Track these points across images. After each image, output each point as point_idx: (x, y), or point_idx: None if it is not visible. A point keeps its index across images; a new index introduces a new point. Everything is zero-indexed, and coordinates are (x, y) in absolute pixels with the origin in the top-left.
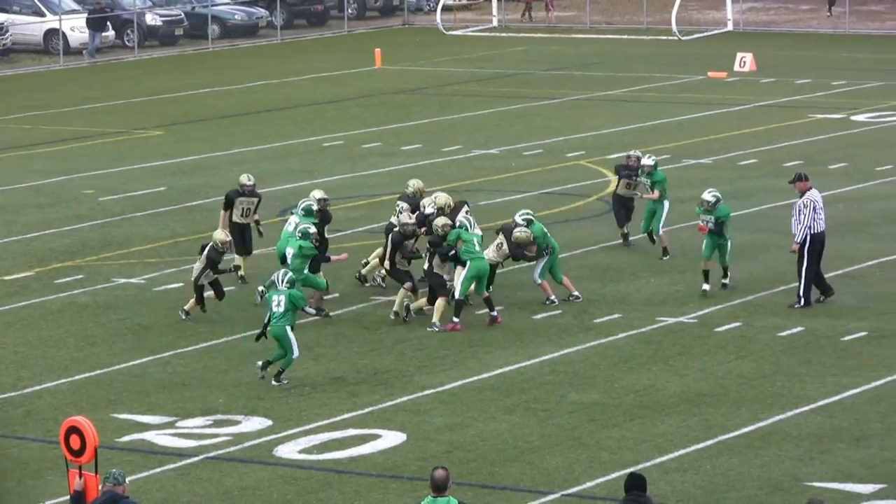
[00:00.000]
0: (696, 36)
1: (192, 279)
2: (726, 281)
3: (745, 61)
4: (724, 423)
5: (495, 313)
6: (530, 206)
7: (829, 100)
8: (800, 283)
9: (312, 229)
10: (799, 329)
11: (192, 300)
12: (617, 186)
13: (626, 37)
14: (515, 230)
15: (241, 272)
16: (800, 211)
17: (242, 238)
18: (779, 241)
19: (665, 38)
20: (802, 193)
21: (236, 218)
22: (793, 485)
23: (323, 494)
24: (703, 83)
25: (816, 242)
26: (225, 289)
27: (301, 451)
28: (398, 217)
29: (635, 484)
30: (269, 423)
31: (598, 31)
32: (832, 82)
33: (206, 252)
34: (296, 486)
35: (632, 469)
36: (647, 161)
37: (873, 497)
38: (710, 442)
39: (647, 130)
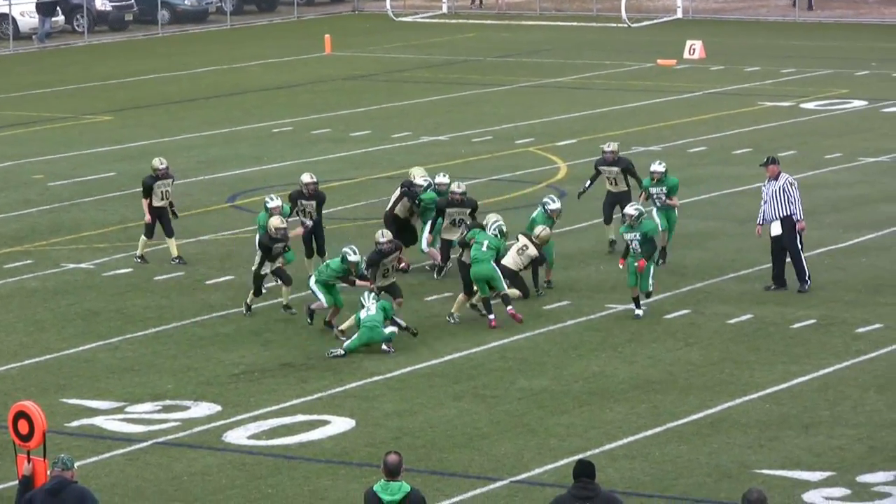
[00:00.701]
0: (645, 23)
1: (253, 270)
2: (639, 312)
3: (694, 49)
4: (673, 410)
5: (492, 316)
6: (480, 194)
7: (779, 87)
8: (801, 263)
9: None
10: (748, 317)
11: (252, 293)
12: (594, 180)
13: (575, 24)
14: (537, 229)
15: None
16: (785, 191)
17: (161, 220)
18: (728, 229)
19: (614, 25)
20: (775, 177)
21: (156, 202)
22: (741, 472)
23: (272, 480)
24: (653, 70)
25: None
26: (170, 275)
27: (250, 437)
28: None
29: (584, 471)
30: (218, 408)
31: (547, 17)
32: (781, 70)
33: (258, 242)
34: (245, 472)
35: (580, 456)
36: (657, 167)
37: (821, 485)
38: (658, 429)
39: (597, 118)
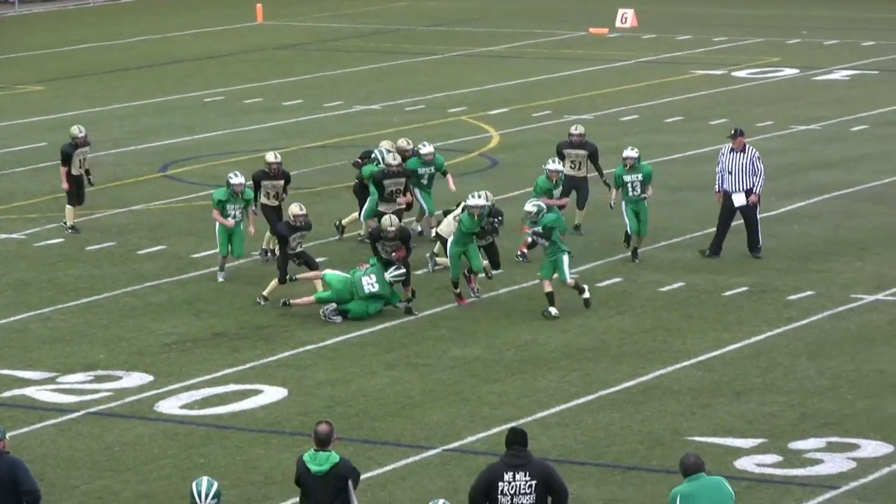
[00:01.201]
0: None
1: (277, 260)
2: (554, 311)
3: (626, 17)
4: (605, 378)
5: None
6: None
7: (711, 56)
8: (758, 233)
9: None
10: (680, 284)
11: (275, 282)
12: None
13: None
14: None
15: (72, 223)
16: (753, 164)
17: (79, 189)
18: (660, 197)
19: None
20: (742, 149)
21: (74, 171)
22: (673, 439)
23: (204, 450)
24: (585, 39)
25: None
26: (101, 245)
27: (182, 407)
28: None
29: (515, 439)
30: (151, 378)
31: None
32: (713, 38)
33: (276, 228)
34: (177, 442)
35: (513, 424)
36: (630, 153)
37: (753, 451)
38: (591, 397)
39: (529, 86)
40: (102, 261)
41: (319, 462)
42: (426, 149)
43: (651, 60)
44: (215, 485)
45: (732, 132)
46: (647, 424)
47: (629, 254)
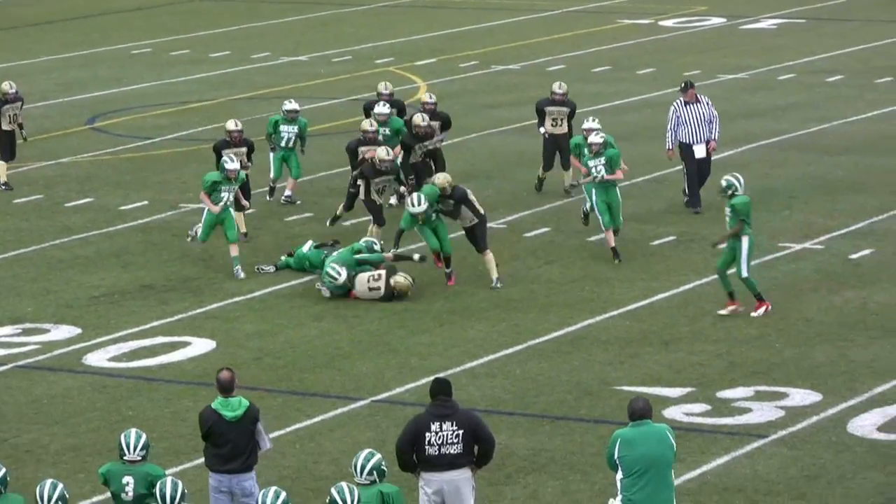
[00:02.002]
0: None
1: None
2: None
3: None
4: (534, 328)
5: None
6: (340, 114)
7: (637, 5)
8: (696, 185)
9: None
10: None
11: (375, 226)
12: (542, 124)
13: None
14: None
15: (4, 179)
16: (711, 111)
17: (11, 145)
18: None
19: None
20: (695, 100)
21: (5, 126)
22: (602, 388)
23: (132, 402)
24: None
25: None
26: (28, 198)
27: (110, 360)
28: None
29: (440, 389)
30: (79, 331)
31: None
32: None
33: (361, 170)
34: (105, 395)
35: (441, 375)
36: (596, 139)
37: (681, 401)
38: (519, 347)
39: (455, 37)
40: (30, 214)
41: (233, 408)
42: (291, 104)
43: (578, 10)
44: (143, 437)
45: (683, 85)
46: (575, 374)
47: (593, 238)
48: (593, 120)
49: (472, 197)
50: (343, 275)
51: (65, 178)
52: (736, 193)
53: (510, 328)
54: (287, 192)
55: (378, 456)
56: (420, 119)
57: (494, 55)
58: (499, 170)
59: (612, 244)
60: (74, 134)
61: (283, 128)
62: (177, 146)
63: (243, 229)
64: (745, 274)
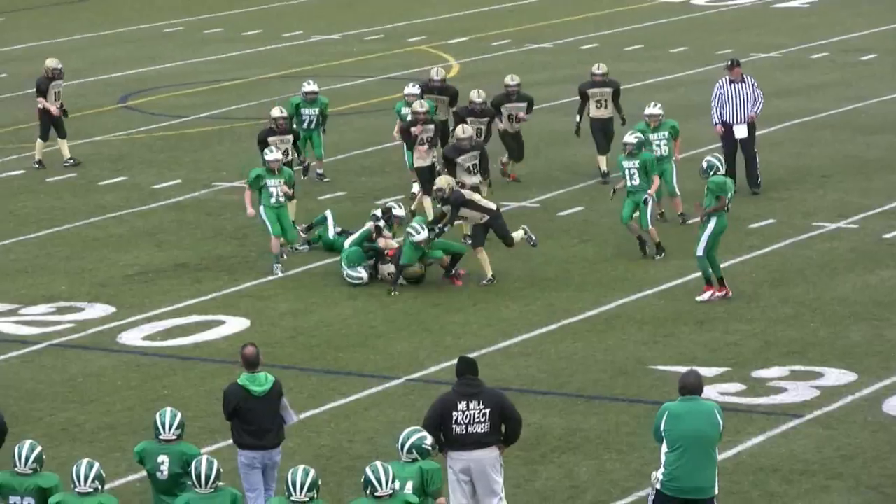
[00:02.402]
0: None
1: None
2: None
3: None
4: (568, 307)
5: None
6: (372, 92)
7: None
8: (757, 167)
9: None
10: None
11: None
12: (585, 108)
13: None
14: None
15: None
16: (755, 92)
17: (57, 122)
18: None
19: None
20: (740, 79)
21: (50, 104)
22: (636, 368)
23: (167, 381)
24: None
25: None
26: (62, 177)
27: (145, 338)
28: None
29: (467, 368)
30: (113, 309)
31: None
32: None
33: (443, 152)
34: (140, 373)
35: (476, 354)
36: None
37: (717, 380)
38: (553, 326)
39: (488, 15)
40: (63, 192)
41: (259, 383)
42: (310, 86)
43: None
44: (178, 415)
45: (729, 63)
46: (609, 353)
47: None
48: (655, 105)
49: (473, 197)
50: (364, 274)
51: (98, 157)
52: (717, 174)
53: (544, 307)
54: (318, 170)
55: (419, 435)
56: (475, 95)
57: (527, 34)
58: (532, 149)
59: (638, 234)
60: (107, 113)
61: (303, 111)
62: (209, 125)
63: (291, 216)
64: (699, 253)
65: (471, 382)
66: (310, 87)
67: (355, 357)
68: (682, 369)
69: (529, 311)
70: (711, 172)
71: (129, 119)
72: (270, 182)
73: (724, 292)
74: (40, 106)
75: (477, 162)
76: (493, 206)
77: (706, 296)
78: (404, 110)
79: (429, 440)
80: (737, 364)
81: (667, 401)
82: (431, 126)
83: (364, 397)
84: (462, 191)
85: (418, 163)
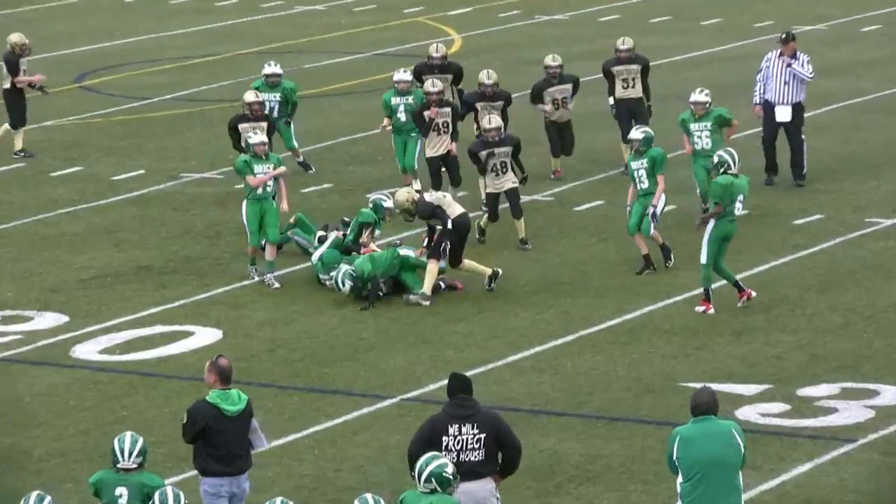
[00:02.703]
0: None
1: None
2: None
3: None
4: (587, 315)
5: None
6: (363, 70)
7: None
8: (802, 155)
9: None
10: (670, 207)
11: (485, 218)
12: (613, 89)
13: None
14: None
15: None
16: (807, 73)
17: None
18: None
19: None
20: (793, 55)
21: (21, 83)
22: (665, 385)
23: (128, 400)
24: None
25: None
26: (9, 167)
27: (102, 352)
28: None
29: (460, 386)
30: (66, 319)
31: None
32: None
33: (469, 148)
34: (96, 392)
35: (483, 369)
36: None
37: (757, 399)
38: (569, 337)
39: None
40: (10, 185)
41: (233, 401)
42: (271, 68)
43: None
44: (140, 441)
45: (783, 36)
46: (634, 369)
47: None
48: (702, 91)
49: (443, 202)
50: (347, 285)
51: (50, 144)
52: (728, 171)
53: (559, 315)
54: (298, 159)
55: (439, 462)
56: (485, 76)
57: (538, 3)
58: (544, 134)
59: (645, 251)
60: (61, 94)
61: (263, 96)
62: (177, 108)
63: (284, 206)
64: (702, 260)
65: (464, 403)
66: (271, 68)
67: (343, 373)
68: (717, 387)
69: (542, 319)
70: (721, 170)
71: (86, 101)
72: (258, 169)
73: (744, 296)
74: (6, 86)
75: (505, 161)
76: (459, 210)
77: (700, 309)
78: (394, 101)
79: (450, 468)
80: (780, 381)
81: (710, 416)
82: (447, 109)
83: (353, 419)
84: (426, 196)
85: (430, 152)
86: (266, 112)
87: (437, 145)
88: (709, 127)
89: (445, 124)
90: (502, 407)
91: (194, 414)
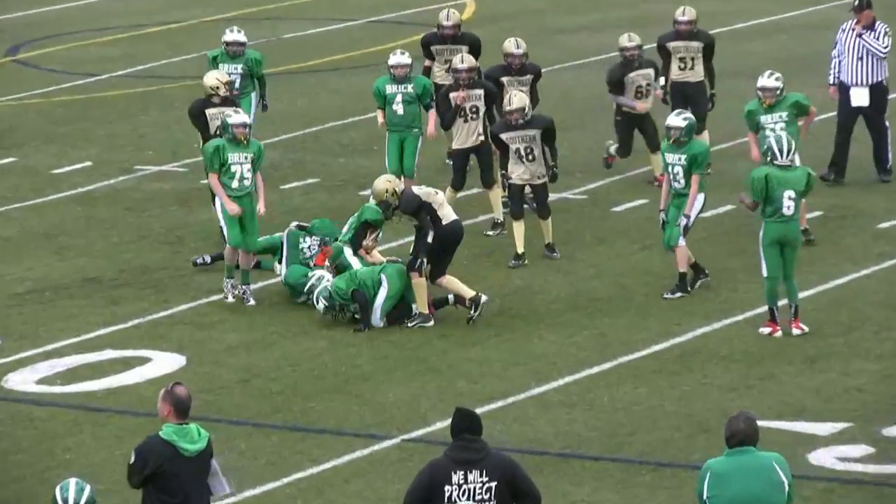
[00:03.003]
0: None
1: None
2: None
3: None
4: (627, 338)
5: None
6: (356, 41)
7: None
8: (886, 146)
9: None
10: (727, 208)
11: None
12: (668, 69)
13: None
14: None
15: None
16: (885, 47)
17: None
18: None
19: None
20: (870, 25)
21: None
22: (722, 424)
23: (71, 441)
24: None
25: None
26: None
27: (40, 382)
28: None
29: (466, 424)
30: None
31: None
32: None
33: (491, 130)
34: (34, 431)
35: (500, 403)
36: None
37: (834, 440)
38: (607, 365)
39: None
40: None
41: (192, 439)
42: (233, 34)
43: None
44: (87, 490)
45: (856, 3)
46: (685, 403)
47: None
48: (772, 75)
49: (434, 199)
50: (321, 304)
51: None
52: (775, 162)
53: (594, 338)
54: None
55: None
56: (513, 45)
57: None
58: (576, 117)
59: (683, 269)
60: None
61: (223, 67)
62: (131, 85)
63: (261, 207)
64: (764, 272)
65: (469, 445)
66: (233, 35)
67: (332, 408)
68: (786, 425)
69: (573, 343)
70: (767, 159)
71: (20, 78)
72: (233, 157)
73: (794, 326)
74: None
75: (532, 146)
76: (451, 216)
77: (766, 331)
78: (389, 90)
79: None
80: (861, 418)
81: (748, 447)
82: (479, 91)
83: (344, 464)
84: (414, 190)
85: (456, 144)
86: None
87: (465, 136)
88: (784, 118)
89: (474, 110)
90: (525, 450)
91: (145, 453)
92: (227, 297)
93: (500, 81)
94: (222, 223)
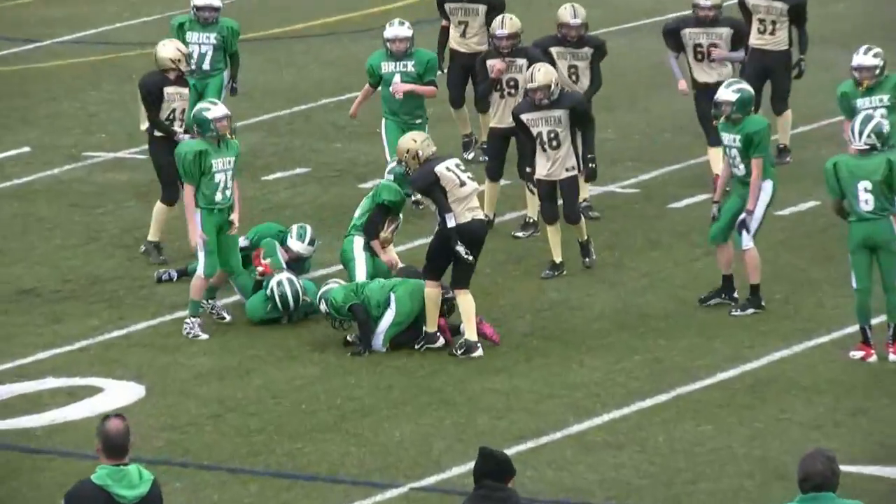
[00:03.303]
0: None
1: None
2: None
3: None
4: (686, 365)
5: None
6: (353, 2)
7: None
8: None
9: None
10: (812, 204)
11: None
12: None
13: None
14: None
15: None
16: None
17: None
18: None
19: None
20: None
21: None
22: None
23: (5, 488)
24: None
25: None
26: None
27: None
28: None
29: (491, 468)
30: None
31: None
32: None
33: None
34: None
35: (530, 444)
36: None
37: None
38: (662, 397)
39: None
40: None
41: (130, 482)
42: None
43: None
44: None
45: None
46: (758, 444)
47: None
48: (868, 51)
49: (458, 177)
50: (322, 307)
51: None
52: (850, 152)
53: (645, 365)
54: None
55: None
56: (569, 14)
57: None
58: (624, 93)
59: (727, 271)
60: None
61: (191, 36)
62: (79, 54)
63: (234, 218)
64: (853, 283)
65: (492, 494)
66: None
67: (325, 450)
68: (881, 471)
69: (620, 370)
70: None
71: None
72: (217, 164)
73: (892, 351)
74: None
75: (556, 129)
76: (471, 213)
77: (857, 355)
78: (385, 68)
79: None
80: None
81: (827, 493)
82: (523, 61)
83: None
84: (438, 162)
85: (493, 122)
86: (195, 63)
87: (503, 113)
88: (885, 101)
89: (513, 83)
90: (563, 501)
91: (73, 501)
92: (224, 319)
93: (549, 52)
94: (200, 248)
